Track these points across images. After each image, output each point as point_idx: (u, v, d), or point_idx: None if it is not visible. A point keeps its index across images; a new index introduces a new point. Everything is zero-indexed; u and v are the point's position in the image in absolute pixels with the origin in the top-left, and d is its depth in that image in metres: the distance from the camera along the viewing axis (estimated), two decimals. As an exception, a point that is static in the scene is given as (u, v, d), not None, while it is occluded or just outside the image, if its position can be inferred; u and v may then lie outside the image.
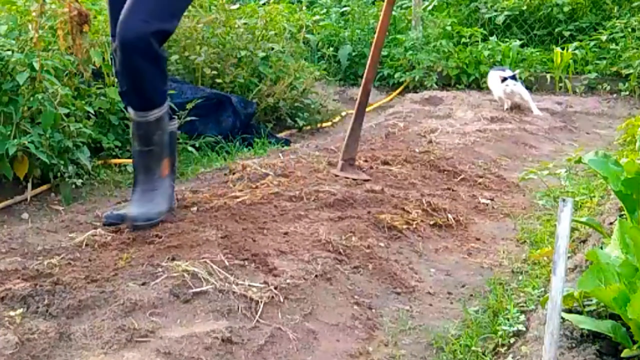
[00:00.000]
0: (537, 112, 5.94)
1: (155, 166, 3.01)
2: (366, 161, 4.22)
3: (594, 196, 3.74)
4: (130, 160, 3.43)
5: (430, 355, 2.35)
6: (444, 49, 7.29)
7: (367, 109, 4.62)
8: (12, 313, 2.23)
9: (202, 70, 5.24)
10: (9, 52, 3.63)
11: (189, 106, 4.57)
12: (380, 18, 4.05)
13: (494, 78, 6.13)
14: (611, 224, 2.92)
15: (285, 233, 3.02)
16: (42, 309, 2.29)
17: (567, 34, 7.67)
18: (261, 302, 2.41)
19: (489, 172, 4.36)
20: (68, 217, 3.23)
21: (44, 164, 3.68)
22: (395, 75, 7.24)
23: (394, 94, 7.07)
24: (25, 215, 3.54)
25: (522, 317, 2.44)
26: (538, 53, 7.37)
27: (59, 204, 3.69)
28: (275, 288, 2.50)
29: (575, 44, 7.28)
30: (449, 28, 7.60)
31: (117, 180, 4.04)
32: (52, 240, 2.91)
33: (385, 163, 4.23)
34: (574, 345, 2.06)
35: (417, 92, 6.86)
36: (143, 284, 2.45)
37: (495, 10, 7.97)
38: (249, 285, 2.50)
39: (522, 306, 2.55)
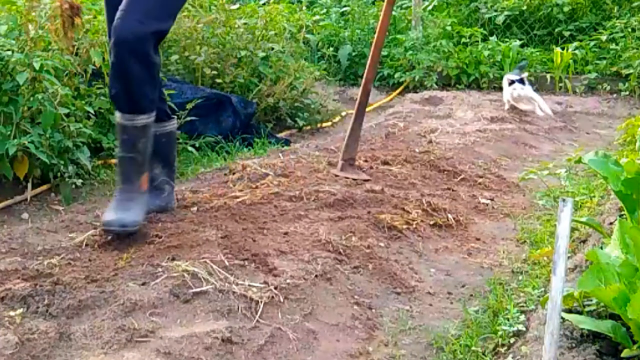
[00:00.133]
0: (550, 112, 5.85)
1: (135, 176, 2.97)
2: (366, 161, 4.22)
3: (594, 196, 3.74)
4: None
5: (430, 355, 2.36)
6: (444, 49, 7.29)
7: (367, 109, 4.62)
8: (12, 313, 2.23)
9: (202, 70, 5.24)
10: (9, 52, 3.63)
11: (189, 106, 4.57)
12: (380, 18, 4.05)
13: (505, 82, 6.06)
14: (611, 224, 2.92)
15: (285, 233, 3.02)
16: (42, 309, 2.29)
17: (567, 34, 7.67)
18: (261, 302, 2.41)
19: (489, 172, 4.36)
20: (68, 217, 3.23)
21: (44, 164, 3.68)
22: (395, 75, 7.24)
23: (394, 94, 7.07)
24: (25, 215, 3.54)
25: (522, 317, 2.44)
26: (538, 53, 7.37)
27: (59, 204, 3.69)
28: (275, 288, 2.50)
29: (575, 44, 7.28)
30: (449, 28, 7.60)
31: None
32: (52, 240, 2.91)
33: (385, 163, 4.23)
34: (574, 345, 2.06)
35: (417, 92, 6.86)
36: (143, 284, 2.45)
37: (495, 10, 7.97)
38: (249, 285, 2.50)
39: (522, 306, 2.55)
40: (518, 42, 7.38)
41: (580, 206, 3.64)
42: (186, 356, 2.11)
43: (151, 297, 2.37)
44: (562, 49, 7.08)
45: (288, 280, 2.57)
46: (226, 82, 5.30)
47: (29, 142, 3.51)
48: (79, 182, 3.83)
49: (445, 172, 4.19)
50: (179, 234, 2.87)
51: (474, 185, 4.07)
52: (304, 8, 7.60)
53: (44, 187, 3.82)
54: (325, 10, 8.28)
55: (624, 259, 2.14)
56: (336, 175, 3.92)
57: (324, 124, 5.86)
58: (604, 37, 7.25)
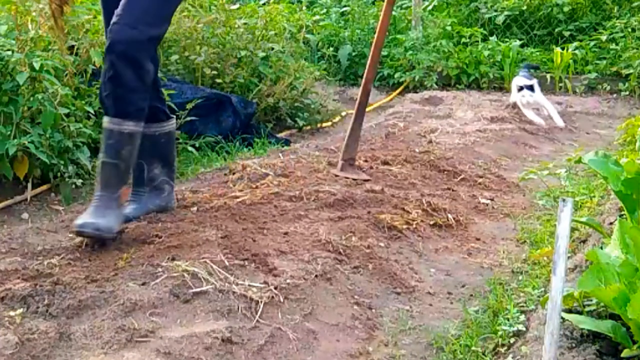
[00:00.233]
0: (560, 123, 5.63)
1: (115, 185, 2.90)
2: (366, 161, 4.22)
3: (594, 196, 3.74)
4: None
5: (430, 355, 2.35)
6: (444, 49, 7.29)
7: (367, 109, 4.62)
8: (12, 313, 2.23)
9: (202, 70, 5.24)
10: (9, 52, 3.63)
11: (189, 106, 4.57)
12: (380, 18, 4.05)
13: (514, 82, 5.95)
14: (611, 224, 2.92)
15: (285, 233, 3.02)
16: (42, 309, 2.29)
17: (567, 34, 7.67)
18: (261, 302, 2.41)
19: (489, 172, 4.36)
20: (68, 217, 3.23)
21: (44, 164, 3.68)
22: (395, 75, 7.24)
23: (394, 94, 7.07)
24: (25, 215, 3.54)
25: (522, 317, 2.44)
26: (538, 53, 7.38)
27: (59, 204, 3.69)
28: (275, 288, 2.50)
29: (575, 44, 7.29)
30: (449, 28, 7.60)
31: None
32: (52, 240, 2.91)
33: (385, 163, 4.23)
34: (574, 345, 2.06)
35: (417, 92, 6.86)
36: (143, 284, 2.45)
37: (495, 10, 7.97)
38: (249, 285, 2.50)
39: (522, 306, 2.55)
40: (518, 42, 7.38)
41: (580, 206, 3.64)
42: (186, 356, 2.11)
43: (151, 297, 2.37)
44: (562, 49, 7.09)
45: (288, 280, 2.57)
46: (226, 82, 5.30)
47: (29, 142, 3.51)
48: (79, 182, 3.83)
49: (445, 172, 4.19)
50: (179, 234, 2.87)
51: (474, 185, 4.07)
52: (304, 8, 7.61)
53: (44, 187, 3.82)
54: (325, 10, 8.28)
55: (624, 259, 2.14)
56: (336, 175, 3.92)
57: (324, 124, 5.86)
58: (604, 37, 7.25)
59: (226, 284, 2.47)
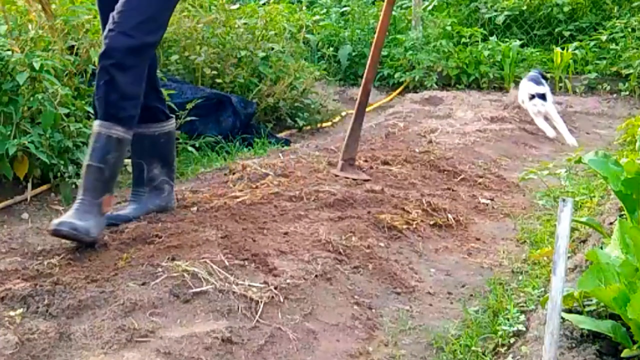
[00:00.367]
0: (571, 141, 5.25)
1: (98, 190, 2.84)
2: (366, 161, 4.22)
3: (594, 196, 3.74)
4: (130, 160, 3.42)
5: (430, 355, 2.35)
6: (444, 49, 7.30)
7: (367, 109, 4.62)
8: (12, 313, 2.23)
9: (202, 70, 5.24)
10: (9, 52, 3.63)
11: (189, 106, 4.57)
12: (380, 18, 4.05)
13: (524, 88, 5.77)
14: (611, 224, 2.92)
15: (285, 233, 3.02)
16: (42, 309, 2.29)
17: (567, 34, 7.67)
18: (261, 302, 2.41)
19: (489, 172, 4.36)
20: (68, 217, 3.23)
21: (44, 164, 3.68)
22: (395, 75, 7.24)
23: (394, 94, 7.07)
24: (25, 215, 3.54)
25: (522, 317, 2.44)
26: (538, 53, 7.38)
27: (59, 204, 3.69)
28: (275, 288, 2.50)
29: (575, 44, 7.29)
30: (449, 28, 7.60)
31: (117, 180, 4.03)
32: (52, 240, 2.91)
33: (385, 163, 4.23)
34: (574, 345, 2.06)
35: (417, 92, 6.86)
36: (143, 284, 2.45)
37: (495, 10, 7.97)
38: (249, 285, 2.50)
39: (522, 306, 2.55)
40: (518, 42, 7.38)
41: (580, 206, 3.64)
42: (186, 356, 2.11)
43: (151, 297, 2.37)
44: (562, 49, 7.09)
45: (288, 280, 2.57)
46: (226, 82, 5.30)
47: (29, 142, 3.51)
48: (79, 182, 3.82)
49: (445, 172, 4.19)
50: (179, 234, 2.87)
51: (474, 185, 4.07)
52: (304, 8, 7.61)
53: (44, 187, 3.82)
54: (325, 10, 8.28)
55: (624, 259, 2.14)
56: (336, 175, 3.91)
57: (324, 124, 5.86)
58: (604, 37, 7.26)
59: (226, 284, 2.47)
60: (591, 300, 2.20)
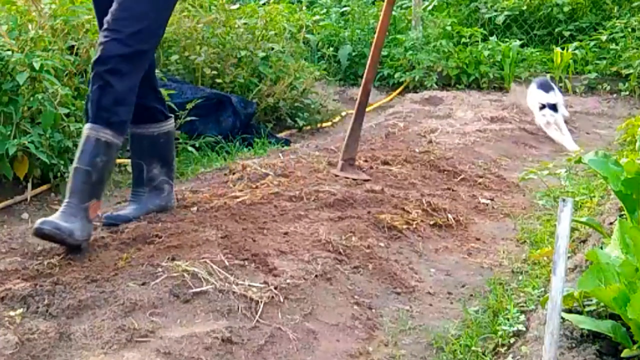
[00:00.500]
0: (574, 147, 5.15)
1: (84, 194, 2.78)
2: (366, 161, 4.22)
3: (594, 196, 3.74)
4: (129, 160, 3.42)
5: (430, 355, 2.36)
6: (444, 49, 7.29)
7: (367, 109, 4.62)
8: (12, 313, 2.23)
9: (202, 70, 5.24)
10: (9, 52, 3.63)
11: (189, 106, 4.57)
12: (380, 18, 4.05)
13: (533, 96, 5.69)
14: (611, 224, 2.92)
15: (285, 233, 3.02)
16: (42, 309, 2.29)
17: (567, 34, 7.67)
18: (261, 302, 2.41)
19: (489, 172, 4.36)
20: (68, 217, 3.23)
21: (44, 164, 3.68)
22: (395, 75, 7.23)
23: (394, 94, 7.06)
24: (25, 215, 3.54)
25: (522, 317, 2.44)
26: (538, 53, 7.38)
27: (59, 204, 3.67)
28: (275, 288, 2.50)
29: (575, 44, 7.29)
30: (449, 28, 7.60)
31: (117, 180, 4.05)
32: (52, 240, 2.91)
33: (385, 163, 4.23)
34: (574, 345, 2.06)
35: (417, 92, 6.86)
36: (143, 284, 2.45)
37: (495, 10, 7.97)
38: (249, 285, 2.50)
39: (522, 306, 2.55)
40: (518, 42, 7.38)
41: (580, 206, 3.64)
42: (186, 356, 2.11)
43: (151, 297, 2.37)
44: (562, 49, 7.08)
45: (288, 280, 2.57)
46: (226, 82, 5.30)
47: (29, 142, 3.51)
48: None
49: (445, 172, 4.19)
50: (179, 234, 2.87)
51: (474, 185, 4.07)
52: (304, 8, 7.60)
53: (44, 187, 3.82)
54: (325, 10, 8.28)
55: (624, 259, 2.14)
56: (336, 175, 3.91)
57: (324, 124, 5.86)
58: (604, 37, 7.25)
59: (226, 284, 2.47)
60: (591, 300, 2.20)
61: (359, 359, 2.31)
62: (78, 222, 2.71)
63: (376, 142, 4.77)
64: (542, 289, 2.65)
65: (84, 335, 2.18)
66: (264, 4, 6.64)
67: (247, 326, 2.30)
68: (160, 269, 2.53)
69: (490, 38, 7.51)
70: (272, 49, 5.71)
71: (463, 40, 7.50)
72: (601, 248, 2.46)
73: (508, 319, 2.43)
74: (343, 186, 3.70)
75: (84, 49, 4.23)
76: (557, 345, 1.75)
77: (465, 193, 3.87)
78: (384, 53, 7.22)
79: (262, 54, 5.55)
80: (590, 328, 2.05)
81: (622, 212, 2.89)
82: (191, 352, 2.12)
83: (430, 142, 4.86)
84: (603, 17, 7.70)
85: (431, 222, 3.39)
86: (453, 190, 3.88)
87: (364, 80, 4.07)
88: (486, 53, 7.18)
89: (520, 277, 2.89)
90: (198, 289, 2.42)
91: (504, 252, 3.19)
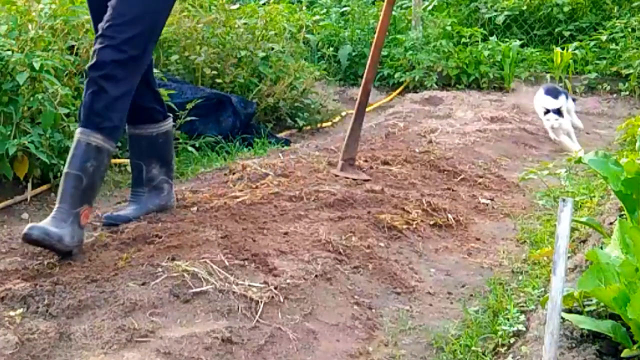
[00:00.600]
0: (575, 147, 5.12)
1: (75, 199, 2.74)
2: (366, 161, 4.22)
3: (594, 196, 3.74)
4: (129, 161, 3.42)
5: (430, 355, 2.35)
6: (444, 49, 7.29)
7: (367, 109, 4.62)
8: (12, 313, 2.23)
9: (202, 70, 5.24)
10: (9, 52, 3.63)
11: (189, 106, 4.57)
12: (380, 18, 4.05)
13: (540, 102, 5.51)
14: (611, 224, 2.92)
15: (285, 233, 3.02)
16: (42, 309, 2.29)
17: (567, 34, 7.67)
18: (261, 302, 2.41)
19: (489, 172, 4.36)
20: (68, 217, 3.23)
21: (44, 164, 3.68)
22: (395, 75, 7.23)
23: (394, 94, 7.06)
24: (25, 215, 3.54)
25: (522, 317, 2.44)
26: (538, 53, 7.38)
27: (59, 204, 3.69)
28: (275, 288, 2.50)
29: (575, 44, 7.29)
30: (449, 28, 7.60)
31: (117, 180, 4.05)
32: (52, 240, 2.91)
33: (385, 163, 4.23)
34: (574, 345, 2.06)
35: (417, 92, 6.86)
36: (143, 284, 2.45)
37: (495, 10, 7.97)
38: (249, 285, 2.50)
39: (522, 306, 2.55)
40: (518, 42, 7.38)
41: (580, 206, 3.64)
42: (186, 356, 2.11)
43: (151, 297, 2.37)
44: (562, 49, 7.09)
45: (288, 280, 2.57)
46: (226, 82, 5.30)
47: (29, 142, 3.51)
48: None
49: (445, 172, 4.19)
50: (179, 234, 2.87)
51: (474, 185, 4.07)
52: (304, 8, 7.60)
53: (44, 187, 3.82)
54: (325, 10, 8.28)
55: (624, 259, 2.14)
56: (336, 175, 3.91)
57: (324, 124, 5.86)
58: (604, 37, 7.25)
59: (226, 284, 2.47)
60: (591, 300, 2.20)
61: (359, 359, 2.31)
62: (68, 228, 2.68)
63: (376, 142, 4.77)
64: (542, 289, 2.65)
65: (84, 335, 2.18)
66: (264, 4, 6.64)
67: (247, 326, 2.30)
68: (160, 269, 2.53)
69: (490, 38, 7.51)
70: (272, 49, 5.71)
71: (463, 40, 7.50)
72: (601, 248, 2.46)
73: (508, 319, 2.43)
74: (343, 186, 3.70)
75: (84, 49, 4.23)
76: (557, 345, 1.75)
77: (465, 193, 3.87)
78: (384, 53, 7.22)
79: (262, 54, 5.55)
80: (590, 328, 2.05)
81: (622, 212, 2.89)
82: (191, 352, 2.12)
83: (430, 142, 4.86)
84: (603, 17, 7.70)
85: (431, 222, 3.39)
86: (453, 190, 3.88)
87: (364, 80, 4.07)
88: (486, 53, 7.18)
89: (520, 277, 2.89)
90: (198, 289, 2.42)
91: (504, 252, 3.19)
